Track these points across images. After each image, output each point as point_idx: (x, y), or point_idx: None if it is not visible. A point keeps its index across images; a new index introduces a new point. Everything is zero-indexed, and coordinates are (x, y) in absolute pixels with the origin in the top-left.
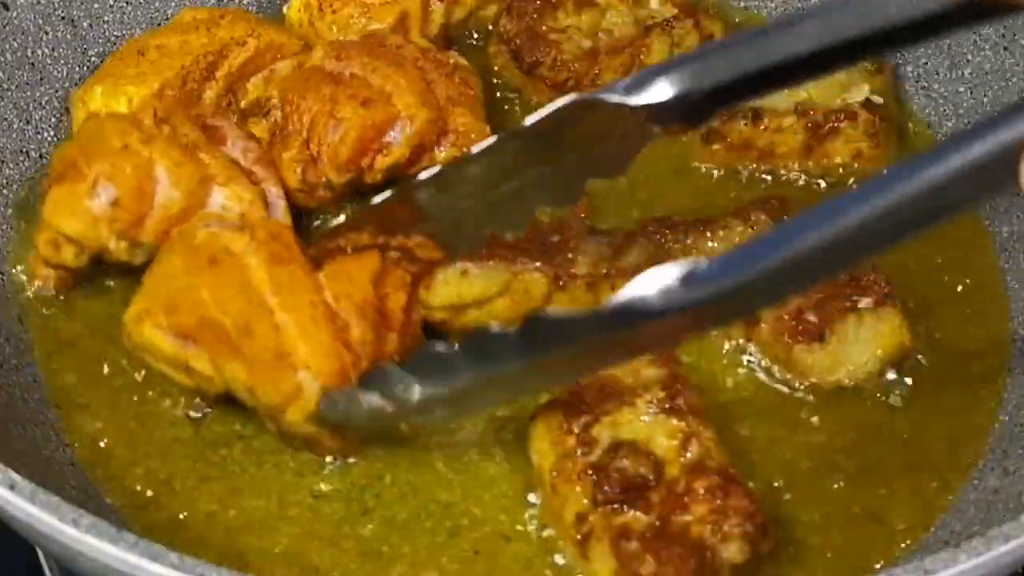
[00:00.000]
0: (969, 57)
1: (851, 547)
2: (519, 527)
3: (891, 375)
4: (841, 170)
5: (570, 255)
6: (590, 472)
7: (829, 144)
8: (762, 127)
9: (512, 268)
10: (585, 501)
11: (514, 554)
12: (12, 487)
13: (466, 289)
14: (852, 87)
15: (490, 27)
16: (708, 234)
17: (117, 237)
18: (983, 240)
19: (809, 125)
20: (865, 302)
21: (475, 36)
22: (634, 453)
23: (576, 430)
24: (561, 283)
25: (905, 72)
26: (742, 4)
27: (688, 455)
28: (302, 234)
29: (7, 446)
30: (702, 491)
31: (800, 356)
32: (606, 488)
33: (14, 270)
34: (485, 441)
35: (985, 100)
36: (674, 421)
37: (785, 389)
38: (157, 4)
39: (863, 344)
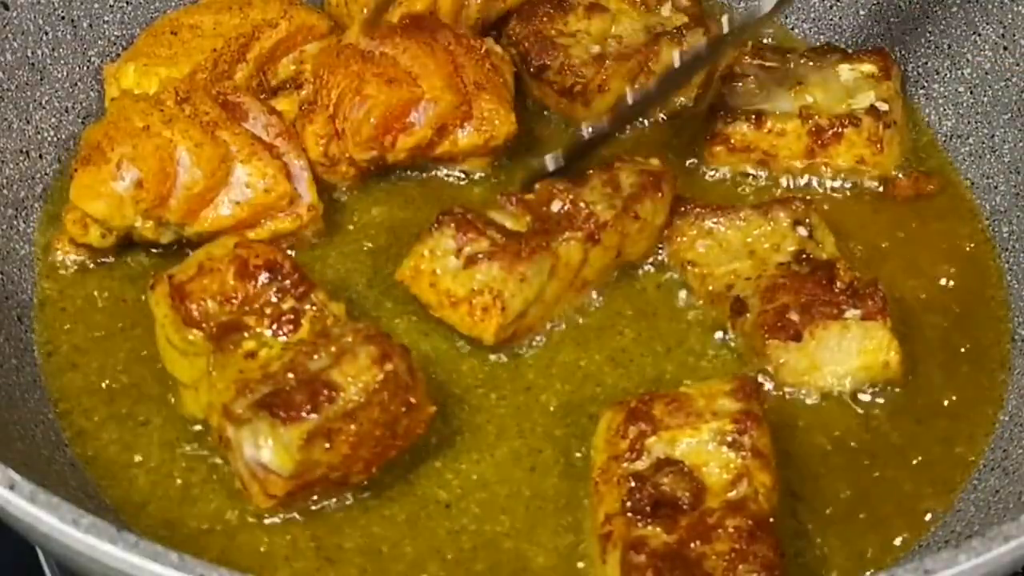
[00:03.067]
0: (969, 57)
1: (851, 548)
2: (519, 527)
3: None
4: (843, 176)
5: (587, 210)
6: (629, 479)
7: (832, 149)
8: (765, 130)
9: (552, 251)
10: (616, 505)
11: (514, 553)
12: (12, 487)
13: (528, 291)
14: (858, 93)
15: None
16: (722, 218)
17: (143, 217)
18: (983, 240)
19: (812, 129)
20: (854, 313)
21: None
22: (679, 474)
23: (631, 436)
24: (596, 238)
25: (905, 72)
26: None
27: (734, 492)
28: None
29: (7, 446)
30: (731, 529)
31: (774, 352)
32: (637, 497)
33: (11, 270)
34: (485, 442)
35: (985, 100)
36: (732, 455)
37: (783, 391)
38: (157, 4)
39: (844, 355)
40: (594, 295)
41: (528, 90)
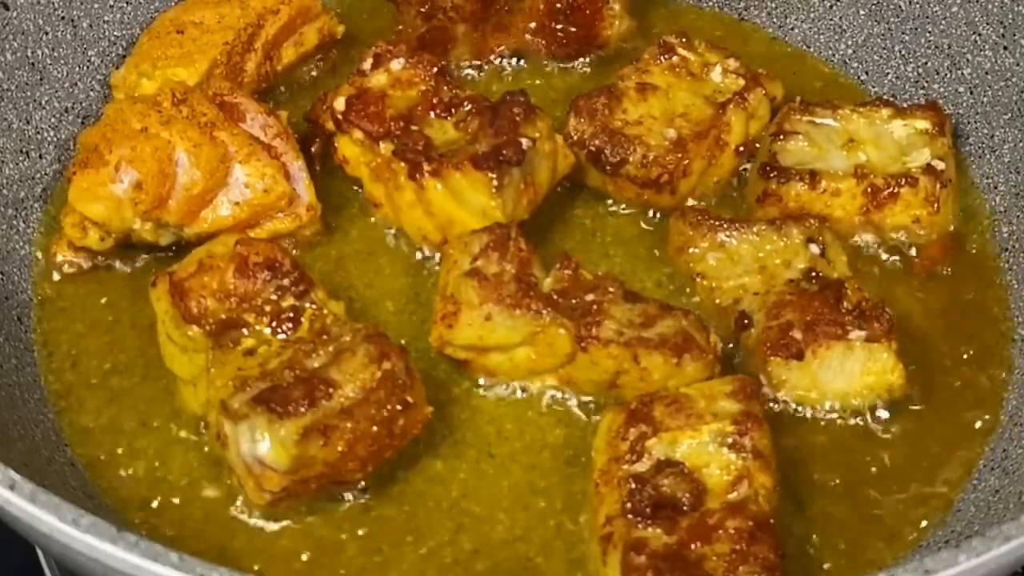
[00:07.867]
0: (969, 57)
1: (852, 548)
2: (519, 527)
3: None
4: (897, 235)
5: (599, 317)
6: (630, 480)
7: (887, 209)
8: (820, 189)
9: (538, 321)
10: (617, 506)
11: (514, 554)
12: (12, 487)
13: (488, 334)
14: (912, 150)
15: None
16: (735, 232)
17: (142, 219)
18: (984, 240)
19: (868, 189)
20: (858, 335)
21: None
22: (679, 475)
23: (631, 437)
24: (583, 344)
25: (904, 72)
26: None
27: (735, 494)
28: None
29: (7, 446)
30: (732, 530)
31: (775, 370)
32: (637, 499)
33: (12, 271)
34: (484, 442)
35: (985, 100)
36: (732, 457)
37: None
38: (157, 3)
39: (847, 376)
40: None
41: (600, 186)
